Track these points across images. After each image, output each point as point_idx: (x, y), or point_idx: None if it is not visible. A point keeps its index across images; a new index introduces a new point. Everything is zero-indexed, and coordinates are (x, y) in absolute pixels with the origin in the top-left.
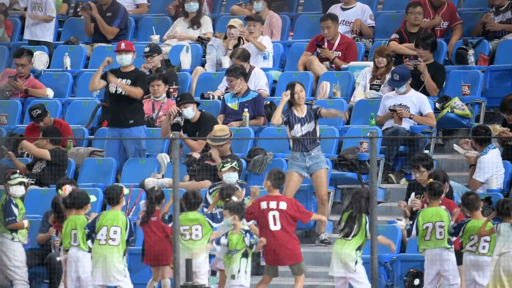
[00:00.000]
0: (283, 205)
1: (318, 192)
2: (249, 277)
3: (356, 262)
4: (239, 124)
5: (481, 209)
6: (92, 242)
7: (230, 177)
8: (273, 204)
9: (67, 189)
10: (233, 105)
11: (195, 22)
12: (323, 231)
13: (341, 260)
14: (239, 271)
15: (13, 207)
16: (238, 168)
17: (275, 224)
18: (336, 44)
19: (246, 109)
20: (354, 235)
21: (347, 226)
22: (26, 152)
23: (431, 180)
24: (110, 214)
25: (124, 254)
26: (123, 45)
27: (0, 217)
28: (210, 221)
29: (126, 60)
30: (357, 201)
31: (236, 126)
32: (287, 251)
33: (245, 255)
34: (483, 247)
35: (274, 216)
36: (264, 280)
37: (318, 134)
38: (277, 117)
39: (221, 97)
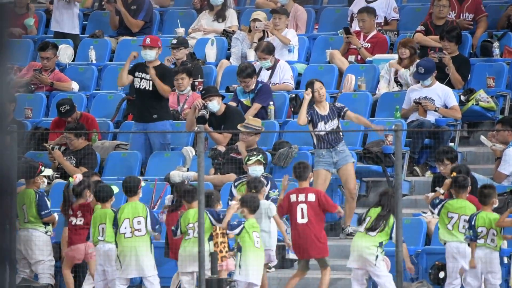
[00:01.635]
0: (311, 197)
1: (347, 186)
2: (243, 271)
3: (376, 257)
4: (249, 113)
5: (495, 205)
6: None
7: (256, 170)
8: (301, 197)
9: (78, 177)
10: (246, 101)
11: (220, 15)
12: (349, 224)
13: (360, 254)
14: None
15: (46, 200)
16: (264, 162)
17: (302, 217)
18: (369, 37)
19: (271, 102)
20: (379, 231)
21: (373, 223)
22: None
23: (454, 174)
24: (129, 205)
25: (151, 243)
26: (148, 40)
27: (32, 211)
28: (211, 218)
29: (150, 55)
30: (387, 201)
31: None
32: (312, 244)
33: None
34: (492, 240)
35: (302, 209)
36: (296, 274)
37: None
38: (303, 117)
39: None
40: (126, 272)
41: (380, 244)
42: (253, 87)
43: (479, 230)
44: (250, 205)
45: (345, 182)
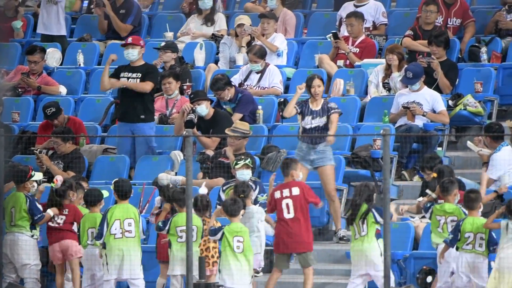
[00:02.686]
0: (295, 191)
1: (326, 189)
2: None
3: (381, 254)
4: None
5: (480, 209)
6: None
7: (244, 174)
8: (286, 192)
9: (58, 179)
10: (228, 108)
11: (208, 19)
12: (340, 227)
13: (365, 257)
14: None
15: (37, 204)
16: (251, 166)
17: (288, 212)
18: (357, 42)
19: (259, 107)
20: (366, 225)
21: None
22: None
23: (434, 175)
24: (120, 207)
25: (140, 246)
26: (129, 39)
27: (20, 215)
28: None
29: (132, 54)
30: (359, 190)
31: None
32: (297, 238)
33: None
34: (480, 245)
35: (287, 204)
36: (273, 275)
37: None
38: (289, 110)
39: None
40: (114, 274)
41: (377, 236)
42: (228, 98)
43: (466, 235)
44: (229, 209)
45: (324, 184)
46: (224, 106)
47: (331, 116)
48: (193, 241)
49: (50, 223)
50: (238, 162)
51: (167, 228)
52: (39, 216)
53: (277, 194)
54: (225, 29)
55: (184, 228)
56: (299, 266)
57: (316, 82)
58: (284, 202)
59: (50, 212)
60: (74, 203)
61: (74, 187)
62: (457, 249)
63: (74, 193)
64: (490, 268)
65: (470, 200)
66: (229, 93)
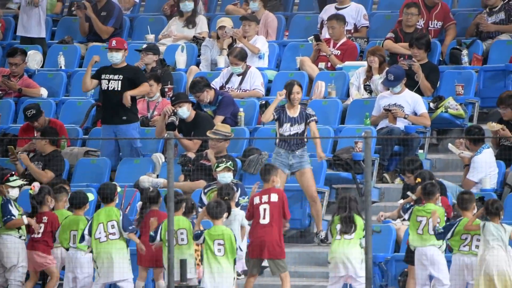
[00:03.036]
0: (274, 197)
1: (307, 191)
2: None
3: (362, 260)
4: None
5: (474, 210)
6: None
7: (225, 177)
8: (265, 198)
9: (36, 186)
10: (209, 111)
11: (190, 22)
12: (321, 228)
13: (345, 260)
14: None
15: (10, 206)
16: (232, 168)
17: (264, 218)
18: (338, 44)
19: (241, 109)
20: (353, 232)
21: (345, 225)
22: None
23: (419, 180)
24: (104, 211)
25: (127, 246)
26: (114, 42)
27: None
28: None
29: (116, 57)
30: (345, 204)
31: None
32: (269, 245)
33: None
34: (476, 246)
35: (264, 210)
36: (249, 280)
37: (305, 136)
38: (268, 115)
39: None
40: (104, 277)
41: (361, 244)
42: (207, 100)
43: (463, 237)
44: (213, 211)
45: (305, 186)
46: (204, 109)
47: (311, 125)
48: (185, 244)
49: (33, 235)
50: (220, 165)
51: (158, 236)
52: (6, 218)
53: (256, 200)
54: (207, 31)
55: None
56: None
57: (296, 88)
58: (261, 207)
59: (25, 219)
60: (58, 206)
61: (51, 193)
62: (451, 251)
63: (53, 199)
64: None
65: (464, 201)
66: (208, 95)
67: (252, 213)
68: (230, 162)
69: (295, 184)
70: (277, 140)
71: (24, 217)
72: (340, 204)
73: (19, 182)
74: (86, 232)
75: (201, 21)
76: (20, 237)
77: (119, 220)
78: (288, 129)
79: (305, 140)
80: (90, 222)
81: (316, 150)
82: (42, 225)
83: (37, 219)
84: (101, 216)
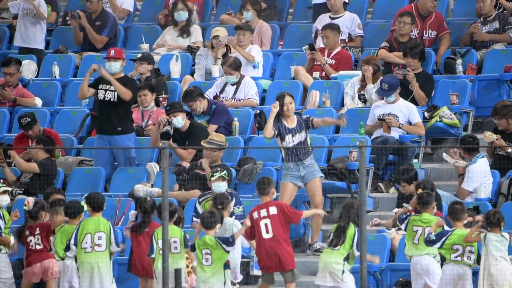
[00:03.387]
0: (273, 210)
1: (314, 201)
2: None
3: (343, 272)
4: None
5: (465, 220)
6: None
7: (219, 186)
8: (263, 212)
9: (30, 202)
10: (203, 122)
11: (184, 31)
12: (316, 240)
13: (328, 270)
14: None
15: None
16: (227, 178)
17: (267, 232)
18: (333, 53)
19: (235, 118)
20: (341, 244)
21: (335, 236)
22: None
23: (420, 190)
24: (92, 220)
25: (110, 259)
26: (112, 52)
27: None
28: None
29: (115, 67)
30: (346, 212)
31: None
32: (276, 258)
33: None
34: (468, 258)
35: (266, 225)
36: (262, 287)
37: (309, 143)
38: (269, 130)
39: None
40: (85, 286)
41: (346, 258)
42: (200, 110)
43: (454, 247)
44: (206, 221)
45: (312, 196)
46: (198, 120)
47: (314, 121)
48: (178, 252)
49: (29, 246)
50: (214, 174)
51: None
52: None
53: (255, 215)
54: (201, 40)
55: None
56: (280, 277)
57: (288, 99)
58: (262, 222)
59: (12, 240)
60: (57, 218)
61: (46, 207)
62: (444, 260)
63: (47, 213)
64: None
65: (456, 211)
66: (201, 105)
67: (253, 230)
68: (225, 172)
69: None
70: (283, 155)
71: (12, 238)
72: (342, 212)
73: (3, 188)
74: (72, 242)
75: (196, 30)
76: (5, 252)
77: (108, 232)
78: (291, 140)
79: (310, 148)
80: (76, 231)
81: (328, 121)
82: (38, 236)
83: (30, 232)
84: (89, 226)
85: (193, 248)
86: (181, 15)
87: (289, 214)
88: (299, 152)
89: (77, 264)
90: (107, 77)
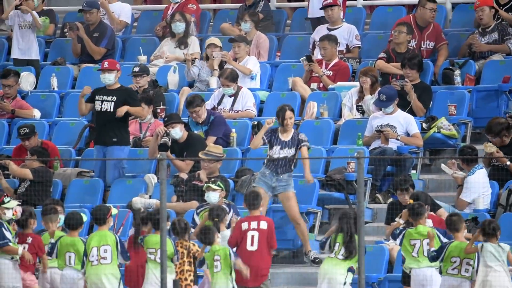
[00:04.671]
0: (263, 225)
1: (290, 214)
2: None
3: (344, 283)
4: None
5: (464, 231)
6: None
7: (209, 196)
8: (254, 224)
9: (17, 210)
10: (200, 132)
11: (182, 42)
12: (310, 249)
13: (331, 280)
14: None
15: (4, 230)
16: (218, 188)
17: (252, 245)
18: (330, 64)
19: (233, 130)
20: (353, 257)
21: (346, 249)
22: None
23: (411, 201)
24: (98, 234)
25: (119, 271)
26: (106, 64)
27: None
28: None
29: (109, 79)
30: (346, 223)
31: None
32: (255, 271)
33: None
34: (466, 270)
35: (253, 236)
36: None
37: (293, 163)
38: (256, 142)
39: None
40: None
41: (349, 270)
42: (204, 116)
43: (452, 259)
44: (205, 237)
45: (288, 209)
46: (195, 131)
47: (302, 150)
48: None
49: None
50: (205, 184)
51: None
52: (1, 242)
53: (245, 225)
54: (199, 52)
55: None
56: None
57: (288, 114)
58: (249, 233)
59: (20, 250)
60: (52, 227)
61: (33, 215)
62: (440, 272)
63: (35, 221)
64: None
65: (453, 223)
66: (204, 113)
67: (237, 238)
68: (218, 182)
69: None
70: (265, 161)
71: (21, 248)
72: (341, 223)
73: (14, 203)
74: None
75: (193, 42)
76: (12, 258)
77: (114, 245)
78: (277, 152)
79: (293, 165)
80: (85, 247)
81: (304, 172)
82: (26, 246)
83: (20, 239)
84: (93, 240)
85: (201, 264)
86: (178, 26)
87: (273, 235)
88: (279, 164)
89: (85, 277)
90: (130, 110)
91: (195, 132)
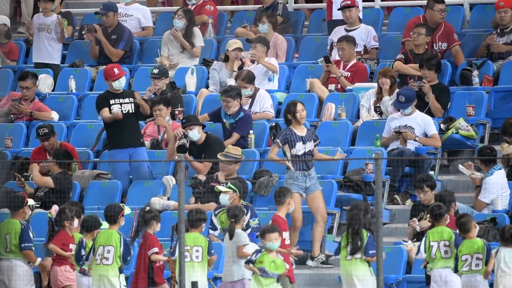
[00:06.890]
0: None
1: (320, 212)
2: None
3: (368, 281)
4: (227, 142)
5: (475, 229)
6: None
7: (220, 198)
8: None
9: (54, 209)
10: (227, 123)
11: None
12: (320, 252)
13: (358, 279)
14: None
15: (30, 233)
16: (228, 190)
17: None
18: (348, 65)
19: (251, 131)
20: (360, 251)
21: (352, 243)
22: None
23: (430, 220)
24: (105, 233)
25: (120, 272)
26: (116, 70)
27: (15, 241)
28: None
29: (123, 83)
30: (355, 215)
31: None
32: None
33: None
34: (476, 265)
35: None
36: None
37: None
38: (271, 155)
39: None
40: None
41: (369, 263)
42: (234, 110)
43: (463, 258)
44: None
45: (317, 207)
46: (224, 120)
47: (314, 149)
48: (199, 261)
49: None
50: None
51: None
52: (25, 245)
53: None
54: (202, 45)
55: (188, 247)
56: None
57: (300, 106)
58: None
59: (38, 261)
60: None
61: (70, 216)
62: (456, 271)
63: (72, 222)
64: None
65: (462, 224)
66: (237, 105)
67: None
68: (229, 184)
69: (305, 206)
70: (289, 163)
71: (39, 259)
72: (350, 220)
73: (31, 201)
74: (91, 254)
75: (196, 34)
76: (28, 262)
77: (117, 247)
78: (302, 148)
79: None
80: (93, 243)
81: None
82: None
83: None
84: (100, 239)
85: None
86: (177, 22)
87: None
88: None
89: (91, 273)
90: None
91: (225, 121)
